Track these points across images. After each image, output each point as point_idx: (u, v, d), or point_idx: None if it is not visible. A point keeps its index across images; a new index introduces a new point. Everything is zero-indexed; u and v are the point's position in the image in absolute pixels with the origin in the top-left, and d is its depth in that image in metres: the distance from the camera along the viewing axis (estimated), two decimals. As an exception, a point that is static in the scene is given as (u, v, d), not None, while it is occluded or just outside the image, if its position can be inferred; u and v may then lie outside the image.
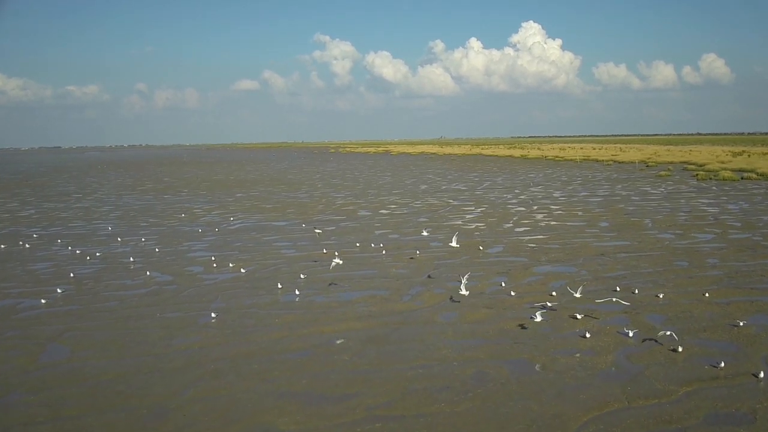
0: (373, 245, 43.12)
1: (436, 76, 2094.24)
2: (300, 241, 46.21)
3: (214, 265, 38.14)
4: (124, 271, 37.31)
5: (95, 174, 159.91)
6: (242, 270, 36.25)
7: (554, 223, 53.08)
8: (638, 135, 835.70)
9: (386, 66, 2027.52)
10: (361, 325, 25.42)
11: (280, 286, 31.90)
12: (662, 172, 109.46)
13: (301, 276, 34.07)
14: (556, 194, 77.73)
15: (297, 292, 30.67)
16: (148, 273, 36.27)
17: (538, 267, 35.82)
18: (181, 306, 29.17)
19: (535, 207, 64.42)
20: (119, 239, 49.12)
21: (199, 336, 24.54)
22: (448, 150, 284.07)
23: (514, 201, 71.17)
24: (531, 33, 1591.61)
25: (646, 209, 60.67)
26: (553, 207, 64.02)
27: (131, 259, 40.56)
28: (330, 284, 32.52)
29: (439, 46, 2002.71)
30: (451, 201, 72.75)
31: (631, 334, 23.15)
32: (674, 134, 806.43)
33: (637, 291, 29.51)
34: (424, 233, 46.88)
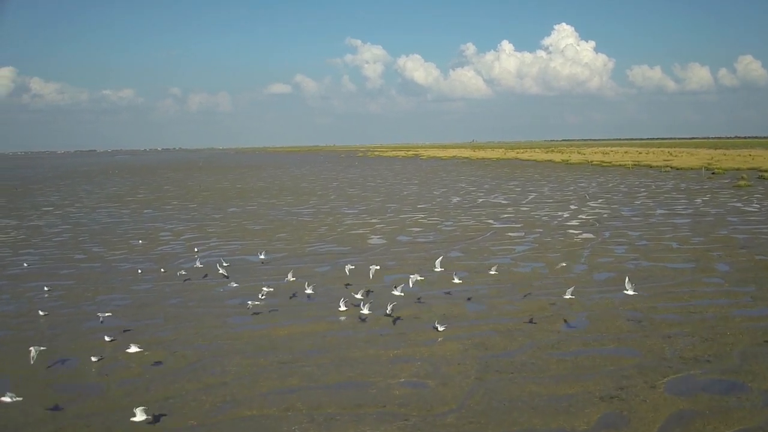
0: (372, 311, 26.99)
1: (467, 79, 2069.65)
2: (268, 299, 30.25)
3: (102, 356, 22.55)
4: (-53, 367, 22.04)
5: (98, 181, 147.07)
6: (104, 377, 20.63)
7: (646, 264, 36.40)
8: (674, 138, 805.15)
9: (417, 69, 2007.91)
10: None
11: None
12: (739, 182, 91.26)
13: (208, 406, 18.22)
14: (625, 212, 60.69)
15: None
16: (-25, 376, 20.95)
17: (669, 380, 19.38)
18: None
19: (607, 234, 47.51)
20: (8, 292, 34.01)
21: None
22: (480, 154, 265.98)
23: (574, 223, 54.34)
24: (564, 35, 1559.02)
25: (762, 238, 43.65)
26: (631, 234, 47.05)
27: (-13, 334, 25.32)
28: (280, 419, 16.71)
29: (470, 49, 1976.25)
30: (491, 222, 56.24)
31: None
32: (711, 137, 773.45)
33: None
34: (456, 279, 30.92)
